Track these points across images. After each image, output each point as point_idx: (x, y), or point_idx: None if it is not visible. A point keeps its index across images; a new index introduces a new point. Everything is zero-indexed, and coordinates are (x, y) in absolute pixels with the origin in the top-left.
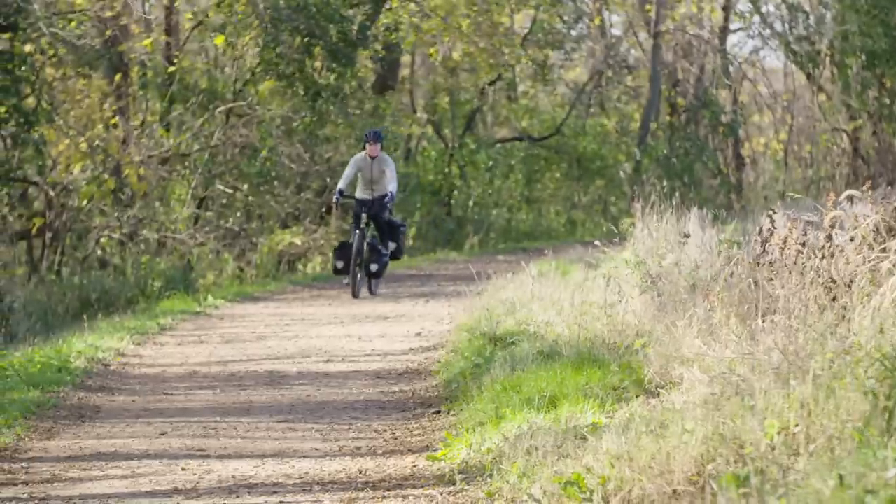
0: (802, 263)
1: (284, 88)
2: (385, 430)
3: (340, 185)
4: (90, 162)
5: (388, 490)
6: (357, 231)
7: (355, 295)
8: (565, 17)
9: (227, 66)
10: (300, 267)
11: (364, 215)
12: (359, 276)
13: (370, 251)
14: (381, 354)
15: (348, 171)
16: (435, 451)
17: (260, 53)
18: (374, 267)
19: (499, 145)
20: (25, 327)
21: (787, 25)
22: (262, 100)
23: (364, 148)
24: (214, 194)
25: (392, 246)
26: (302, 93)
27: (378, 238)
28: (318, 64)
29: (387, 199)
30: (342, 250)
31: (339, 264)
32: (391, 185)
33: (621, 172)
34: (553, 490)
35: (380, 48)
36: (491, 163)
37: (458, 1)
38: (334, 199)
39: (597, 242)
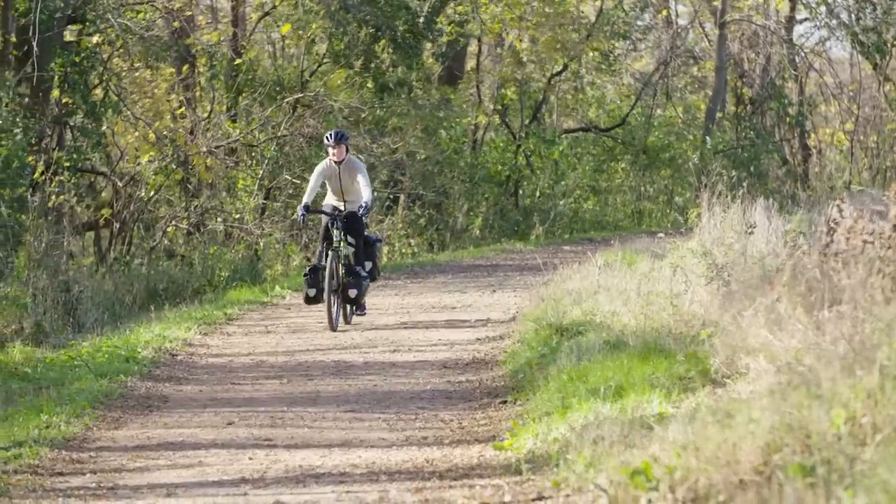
0: (869, 254)
1: (352, 79)
2: (452, 420)
3: (305, 199)
4: (158, 153)
5: (455, 480)
6: (330, 251)
7: (333, 328)
8: (632, 9)
9: (293, 57)
10: None
11: (337, 231)
12: (336, 304)
13: (347, 274)
14: (448, 344)
15: (312, 183)
16: (501, 440)
17: (327, 45)
18: (353, 293)
19: (565, 136)
20: (93, 317)
21: (853, 15)
22: (329, 91)
23: (327, 153)
24: (281, 184)
25: (368, 265)
26: (369, 84)
27: (352, 257)
28: (385, 55)
29: (361, 211)
30: (313, 275)
31: (312, 292)
32: (365, 194)
33: (690, 164)
34: (619, 480)
35: (445, 40)
36: (558, 153)
37: None
38: (299, 217)
39: (661, 235)
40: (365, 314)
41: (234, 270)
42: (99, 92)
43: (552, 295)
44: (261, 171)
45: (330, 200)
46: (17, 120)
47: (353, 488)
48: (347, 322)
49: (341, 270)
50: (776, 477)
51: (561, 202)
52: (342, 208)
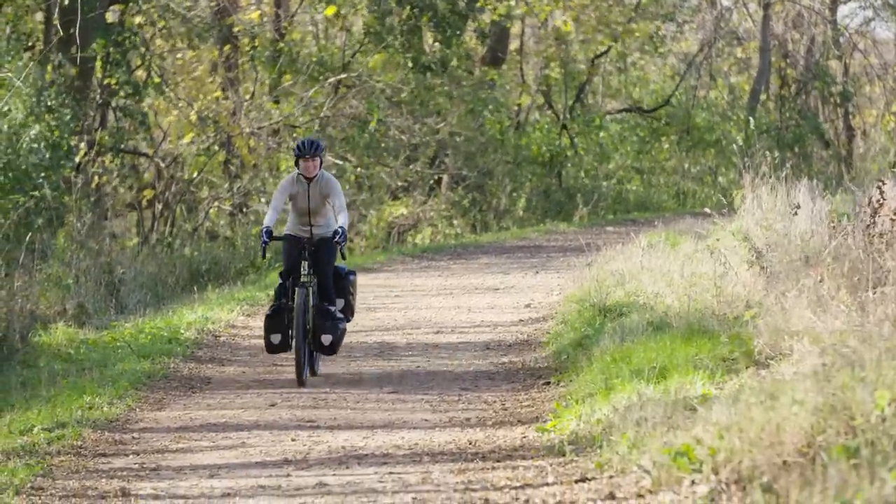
0: None
1: (393, 59)
2: (495, 402)
3: (267, 221)
4: (200, 134)
5: (498, 461)
6: (297, 288)
7: (302, 382)
8: None
9: (336, 38)
10: (410, 238)
11: (305, 263)
12: (305, 353)
13: (318, 315)
14: (491, 326)
15: (275, 201)
16: (545, 422)
17: (368, 25)
18: (327, 339)
19: (609, 116)
20: (136, 299)
21: None
22: (371, 71)
23: (297, 165)
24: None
25: (340, 303)
26: (411, 65)
27: (321, 294)
28: (427, 36)
29: (337, 238)
30: (277, 317)
31: (276, 339)
32: (341, 218)
33: (734, 144)
34: (663, 461)
35: (489, 20)
36: (602, 134)
37: None
38: (262, 242)
39: (707, 209)
40: (335, 354)
41: (277, 251)
42: (141, 73)
43: (595, 276)
44: None
45: (293, 225)
46: (66, 101)
47: (396, 469)
48: (313, 373)
49: (312, 312)
50: (820, 458)
51: (604, 183)
52: (309, 234)
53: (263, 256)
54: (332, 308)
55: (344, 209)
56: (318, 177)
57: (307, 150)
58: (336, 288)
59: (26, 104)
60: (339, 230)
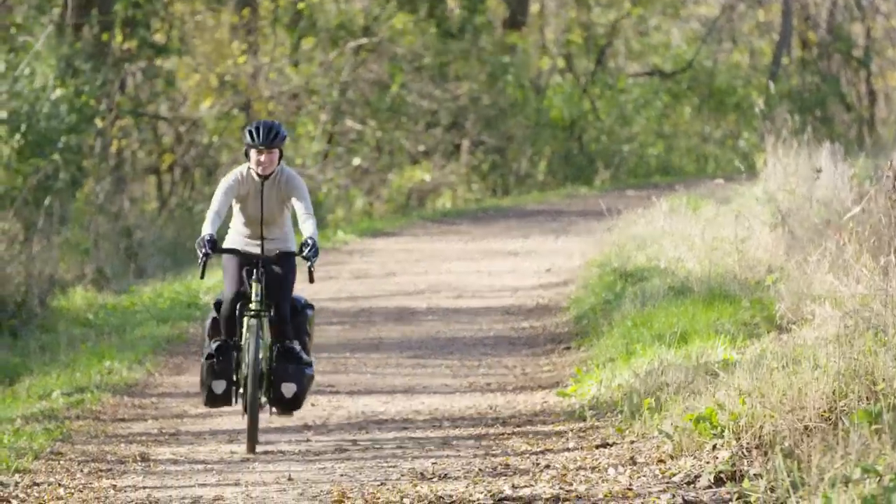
0: None
1: (416, 23)
2: (515, 367)
3: (207, 227)
4: (219, 97)
5: (518, 426)
6: (247, 320)
7: (252, 447)
8: None
9: (356, 1)
10: (429, 202)
11: (257, 286)
12: (260, 404)
13: (279, 357)
14: (511, 290)
15: (218, 204)
16: (565, 387)
17: None
18: (289, 389)
19: (630, 80)
20: (155, 263)
21: None
22: (392, 35)
23: (247, 156)
24: (344, 130)
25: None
26: (432, 29)
27: (279, 329)
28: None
29: (307, 252)
30: (222, 358)
31: (219, 387)
32: (309, 225)
33: (756, 108)
34: (684, 426)
35: None
36: (623, 98)
37: None
38: (200, 255)
39: (719, 181)
40: (299, 409)
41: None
42: (161, 36)
43: (616, 240)
44: (323, 117)
45: (237, 237)
46: (94, 64)
47: (416, 434)
48: (274, 412)
49: (272, 354)
50: (842, 423)
51: (626, 147)
52: (260, 250)
53: (203, 275)
54: (296, 347)
55: (311, 215)
56: (277, 174)
57: (263, 139)
58: (292, 323)
59: (52, 67)
60: (310, 241)
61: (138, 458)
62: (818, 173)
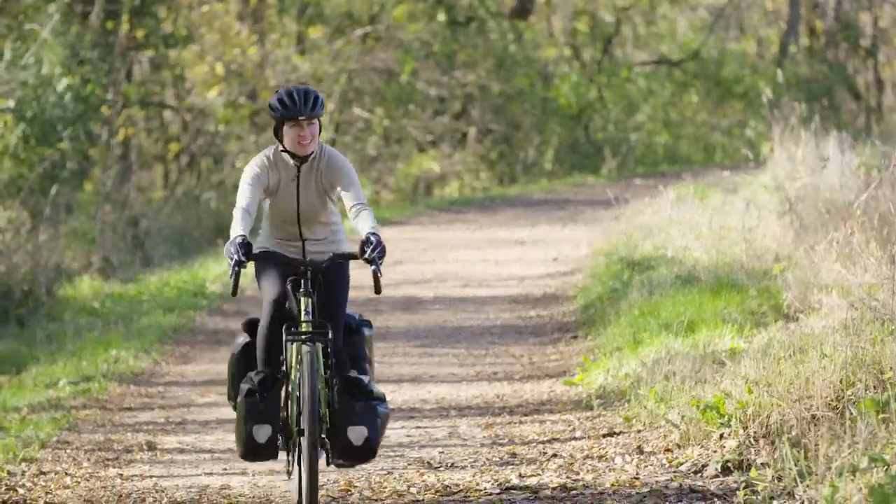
0: None
1: (423, 11)
2: (522, 356)
3: (237, 227)
4: (226, 86)
5: (525, 415)
6: (296, 345)
7: None
8: None
9: None
10: (437, 191)
11: (306, 302)
12: (316, 460)
13: (343, 393)
14: (518, 279)
15: (246, 198)
16: (572, 376)
17: None
18: (358, 434)
19: (637, 69)
20: (161, 252)
21: None
22: (399, 23)
23: (277, 134)
24: (351, 118)
25: (365, 378)
26: (440, 17)
27: (337, 356)
28: None
29: (370, 253)
30: (265, 396)
31: (262, 434)
32: (365, 218)
33: (763, 97)
34: (691, 415)
35: None
36: (630, 87)
37: None
38: (231, 264)
39: (726, 173)
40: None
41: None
42: (168, 25)
43: (623, 229)
44: (330, 105)
45: (270, 238)
46: (101, 53)
47: (423, 423)
48: (335, 463)
49: (324, 388)
50: (849, 412)
51: (633, 136)
52: (301, 254)
53: (235, 291)
54: (364, 379)
55: (366, 205)
56: (315, 155)
57: (302, 107)
58: (349, 348)
59: (58, 56)
60: (372, 239)
61: (145, 447)
62: (825, 162)
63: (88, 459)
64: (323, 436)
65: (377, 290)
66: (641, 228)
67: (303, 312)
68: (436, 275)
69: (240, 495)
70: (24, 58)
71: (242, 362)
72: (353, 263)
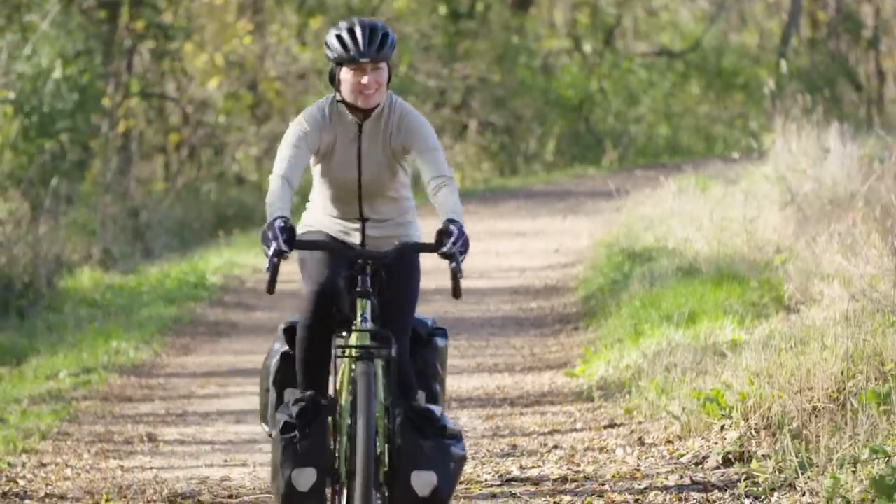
0: None
1: (423, 3)
2: (523, 347)
3: (275, 203)
4: (227, 77)
5: (526, 406)
6: (350, 364)
7: None
8: None
9: None
10: None
11: (364, 304)
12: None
13: (407, 428)
14: (519, 271)
15: (286, 164)
16: (573, 367)
17: None
18: (426, 482)
19: (638, 60)
20: (162, 243)
21: None
22: (399, 15)
23: (333, 81)
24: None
25: (439, 409)
26: (441, 9)
27: (400, 377)
28: None
29: (449, 247)
30: (309, 431)
31: (306, 479)
32: (445, 199)
33: (765, 88)
34: (692, 407)
35: None
36: (631, 78)
37: None
38: (269, 255)
39: (734, 154)
40: None
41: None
42: (169, 16)
43: (624, 221)
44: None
45: (322, 216)
46: (96, 44)
47: None
48: None
49: (382, 418)
50: (850, 404)
51: (633, 127)
52: (361, 239)
53: (272, 288)
54: (435, 410)
55: (451, 178)
56: (384, 109)
57: (363, 48)
58: (416, 363)
59: (55, 47)
60: (453, 229)
61: (145, 439)
62: (827, 153)
63: (89, 451)
64: (380, 481)
65: (456, 293)
66: (642, 220)
67: (359, 318)
68: (436, 266)
69: (240, 486)
70: (24, 49)
71: (279, 377)
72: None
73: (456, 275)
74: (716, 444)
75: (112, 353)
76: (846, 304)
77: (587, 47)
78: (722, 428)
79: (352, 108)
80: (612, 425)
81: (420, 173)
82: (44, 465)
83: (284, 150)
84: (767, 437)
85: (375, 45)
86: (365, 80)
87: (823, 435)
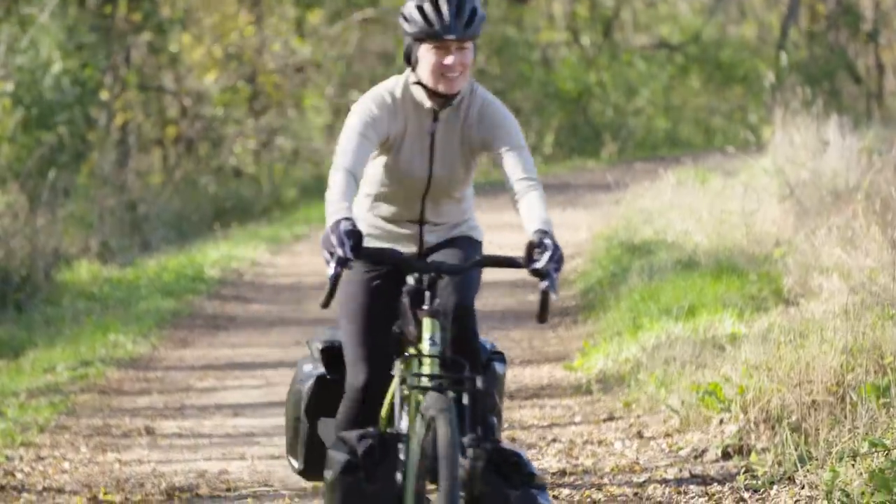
0: None
1: None
2: (521, 340)
3: (338, 201)
4: (225, 70)
5: (525, 400)
6: (418, 397)
7: None
8: None
9: None
10: None
11: (432, 325)
12: None
13: (490, 473)
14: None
15: (351, 155)
16: (572, 360)
17: None
18: None
19: (637, 52)
20: (160, 236)
21: None
22: (397, 6)
23: (409, 61)
24: (350, 103)
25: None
26: None
27: (473, 410)
28: None
29: (542, 263)
30: (379, 475)
31: None
32: (532, 204)
33: (765, 81)
34: (691, 400)
35: None
36: (629, 70)
37: None
38: (332, 264)
39: (730, 148)
40: None
41: (302, 189)
42: (166, 9)
43: (623, 213)
44: (329, 90)
45: (375, 219)
46: (95, 37)
47: None
48: None
49: (447, 446)
50: (849, 397)
51: (632, 120)
52: (418, 246)
53: (328, 302)
54: (522, 453)
55: (537, 180)
56: (463, 97)
57: (449, 22)
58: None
59: (55, 40)
60: (547, 242)
61: (143, 432)
62: (826, 146)
63: (87, 444)
64: None
65: (542, 317)
66: (641, 212)
67: (426, 342)
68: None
69: (238, 480)
70: (22, 42)
71: (313, 405)
72: None
73: (547, 295)
74: (715, 437)
75: (110, 346)
76: (845, 297)
77: (586, 40)
78: (721, 421)
79: (430, 92)
80: (610, 418)
81: (506, 174)
82: (41, 459)
83: (349, 139)
84: (766, 431)
85: (464, 19)
86: (449, 60)
87: (823, 428)
